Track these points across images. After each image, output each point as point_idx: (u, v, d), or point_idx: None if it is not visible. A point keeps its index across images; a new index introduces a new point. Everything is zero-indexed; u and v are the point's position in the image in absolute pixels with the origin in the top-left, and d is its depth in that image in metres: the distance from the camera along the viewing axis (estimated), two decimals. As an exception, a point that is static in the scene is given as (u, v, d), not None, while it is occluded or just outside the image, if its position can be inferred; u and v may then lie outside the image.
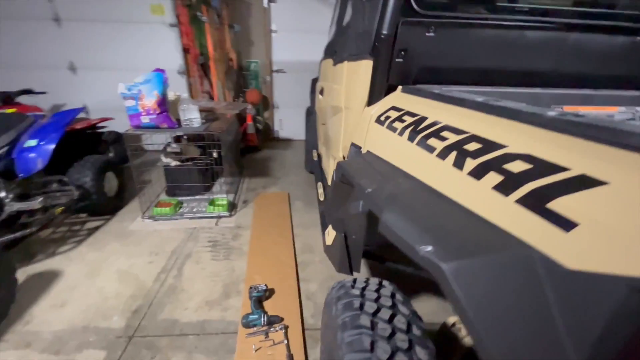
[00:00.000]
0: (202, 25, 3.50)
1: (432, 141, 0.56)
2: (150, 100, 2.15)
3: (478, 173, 0.43)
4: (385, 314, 0.71)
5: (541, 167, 0.39)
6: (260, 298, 1.65)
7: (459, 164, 0.47)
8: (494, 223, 0.41)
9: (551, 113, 0.44)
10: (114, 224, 2.45)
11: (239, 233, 2.37)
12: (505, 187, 0.40)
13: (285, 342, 1.44)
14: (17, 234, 1.89)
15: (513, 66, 0.93)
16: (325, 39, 4.24)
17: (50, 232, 2.30)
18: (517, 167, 0.41)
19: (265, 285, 1.69)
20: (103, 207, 2.47)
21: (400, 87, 0.90)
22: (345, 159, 1.19)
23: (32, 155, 2.05)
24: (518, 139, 0.44)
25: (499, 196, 0.41)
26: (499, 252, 0.37)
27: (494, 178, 0.42)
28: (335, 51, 1.58)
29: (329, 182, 1.78)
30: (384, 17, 0.80)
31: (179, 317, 1.60)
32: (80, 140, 2.93)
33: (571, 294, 0.34)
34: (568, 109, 0.84)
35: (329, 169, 1.77)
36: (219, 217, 2.55)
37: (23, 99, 3.31)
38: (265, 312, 1.56)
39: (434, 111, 0.64)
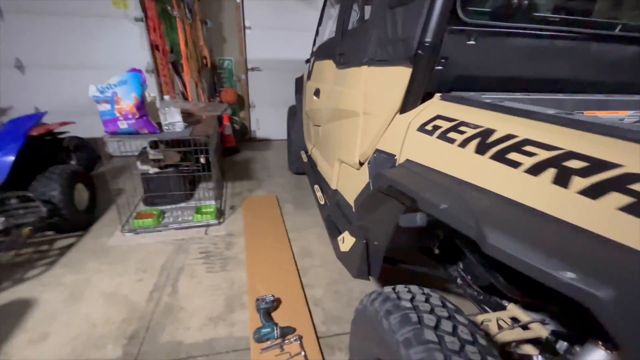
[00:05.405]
0: (172, 20, 3.27)
1: (515, 156, 0.56)
2: (127, 104, 1.97)
3: (593, 192, 0.44)
4: (447, 326, 0.70)
5: None
6: (268, 310, 1.59)
7: (561, 182, 0.48)
8: (627, 245, 0.41)
9: None
10: (89, 240, 2.22)
11: (232, 241, 2.26)
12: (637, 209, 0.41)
13: (303, 353, 1.40)
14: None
15: (540, 74, 0.97)
16: (302, 38, 4.19)
17: (12, 256, 2.02)
18: None
19: (273, 296, 1.63)
20: (74, 222, 2.22)
21: (437, 95, 0.90)
22: (367, 165, 1.17)
23: (-14, 169, 1.79)
24: (633, 158, 0.45)
25: (630, 218, 0.41)
26: None
27: (619, 199, 0.42)
28: (342, 54, 1.55)
29: (332, 186, 1.76)
30: (428, 24, 0.79)
31: (183, 339, 1.49)
32: (38, 148, 2.61)
33: None
34: (588, 114, 0.90)
35: (332, 172, 1.74)
36: (208, 225, 2.42)
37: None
38: (276, 324, 1.51)
39: (500, 123, 0.64)
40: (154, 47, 3.44)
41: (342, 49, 1.55)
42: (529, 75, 0.97)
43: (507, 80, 0.96)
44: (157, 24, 3.26)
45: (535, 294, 1.01)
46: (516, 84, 0.98)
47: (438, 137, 0.75)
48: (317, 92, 2.01)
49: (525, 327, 1.02)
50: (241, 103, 4.58)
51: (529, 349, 1.01)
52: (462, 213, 0.55)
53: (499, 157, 0.59)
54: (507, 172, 0.56)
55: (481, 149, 0.63)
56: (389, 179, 0.79)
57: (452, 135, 0.71)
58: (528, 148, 0.55)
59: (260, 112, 4.74)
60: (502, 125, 0.64)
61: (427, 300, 0.80)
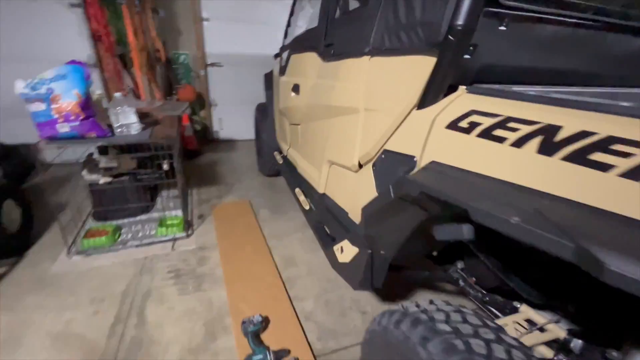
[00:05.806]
0: (117, 7, 2.87)
1: (601, 156, 0.47)
2: (68, 103, 1.64)
3: None
4: (499, 352, 0.62)
5: None
6: (258, 332, 1.42)
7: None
8: None
9: None
10: (25, 268, 1.84)
11: (205, 255, 2.03)
12: None
13: (302, 378, 1.26)
14: None
15: (563, 65, 0.93)
16: (266, 31, 3.97)
17: None
18: None
19: (260, 315, 1.46)
20: (3, 248, 1.83)
21: (462, 88, 0.81)
22: (372, 167, 1.05)
23: None
24: None
25: None
26: None
27: None
28: (330, 45, 1.41)
29: (319, 190, 1.62)
30: (461, 4, 0.69)
31: (158, 379, 1.26)
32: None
33: None
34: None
35: (319, 175, 1.61)
36: (175, 239, 2.15)
37: None
38: (268, 348, 1.35)
39: (564, 118, 0.56)
40: (96, 38, 3.00)
41: (330, 40, 1.42)
42: (554, 66, 0.92)
43: (529, 71, 0.91)
44: (99, 11, 2.84)
45: (552, 295, 0.98)
46: (540, 76, 0.93)
47: (479, 136, 0.66)
48: (296, 88, 1.85)
49: (541, 328, 0.99)
50: (201, 101, 4.23)
51: (543, 350, 0.98)
52: (545, 228, 0.46)
53: (577, 158, 0.50)
54: (591, 176, 0.48)
55: (547, 149, 0.54)
56: (420, 185, 0.68)
57: (499, 133, 0.62)
58: (618, 147, 0.48)
59: (223, 111, 4.42)
60: (567, 120, 0.56)
61: (465, 320, 0.71)
